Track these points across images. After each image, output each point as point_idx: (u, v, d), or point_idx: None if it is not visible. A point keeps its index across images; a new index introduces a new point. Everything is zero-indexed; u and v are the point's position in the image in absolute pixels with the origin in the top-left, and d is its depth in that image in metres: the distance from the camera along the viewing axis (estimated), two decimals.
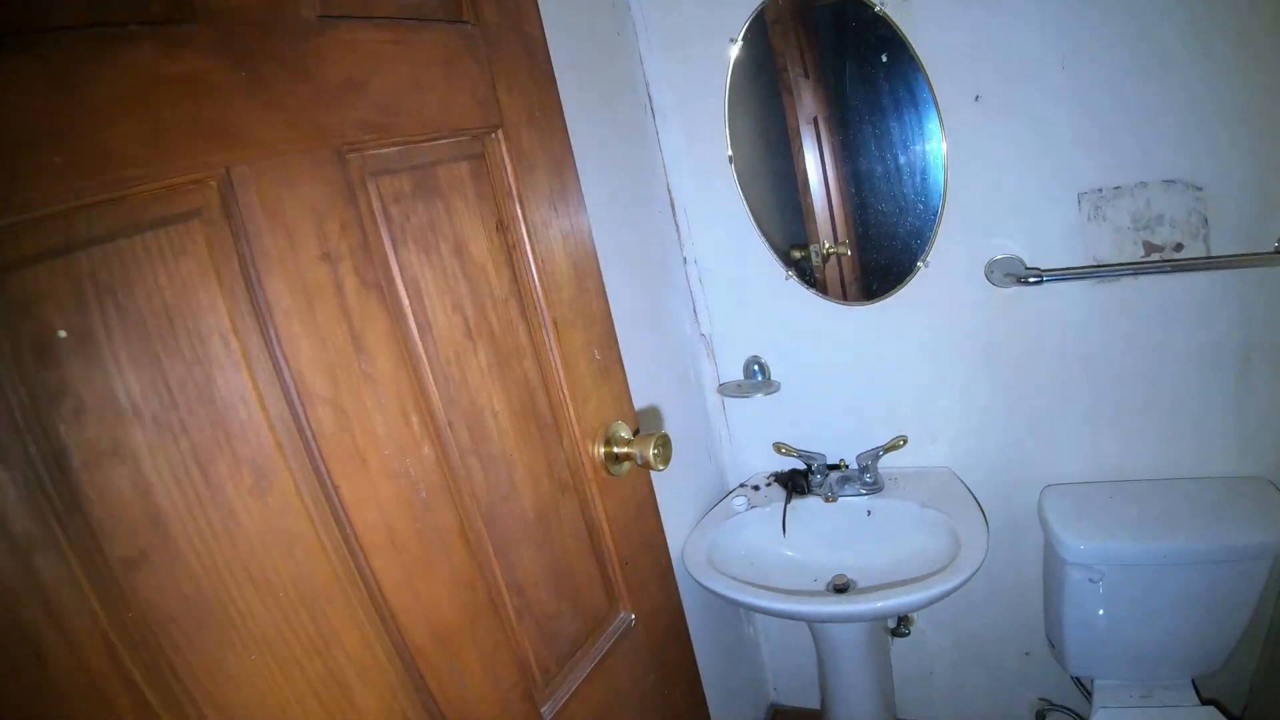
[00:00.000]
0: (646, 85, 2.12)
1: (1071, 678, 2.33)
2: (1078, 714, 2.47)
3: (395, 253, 1.01)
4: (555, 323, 1.26)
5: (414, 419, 1.01)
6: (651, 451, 1.35)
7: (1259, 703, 2.23)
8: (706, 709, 1.86)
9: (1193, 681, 2.09)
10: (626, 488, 1.46)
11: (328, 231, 0.91)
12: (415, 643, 1.00)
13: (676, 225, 2.22)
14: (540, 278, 1.23)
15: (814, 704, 2.73)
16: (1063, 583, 2.00)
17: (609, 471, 1.37)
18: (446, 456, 1.07)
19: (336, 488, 0.90)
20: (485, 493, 1.13)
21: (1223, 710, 1.98)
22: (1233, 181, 1.74)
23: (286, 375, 0.86)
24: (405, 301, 1.01)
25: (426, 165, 1.06)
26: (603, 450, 1.36)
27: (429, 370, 1.04)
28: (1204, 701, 2.04)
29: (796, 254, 2.15)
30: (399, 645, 0.98)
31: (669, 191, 2.19)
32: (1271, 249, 1.75)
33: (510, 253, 1.19)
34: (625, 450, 1.38)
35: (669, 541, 1.94)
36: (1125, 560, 1.91)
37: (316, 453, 0.89)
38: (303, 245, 0.88)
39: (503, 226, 1.17)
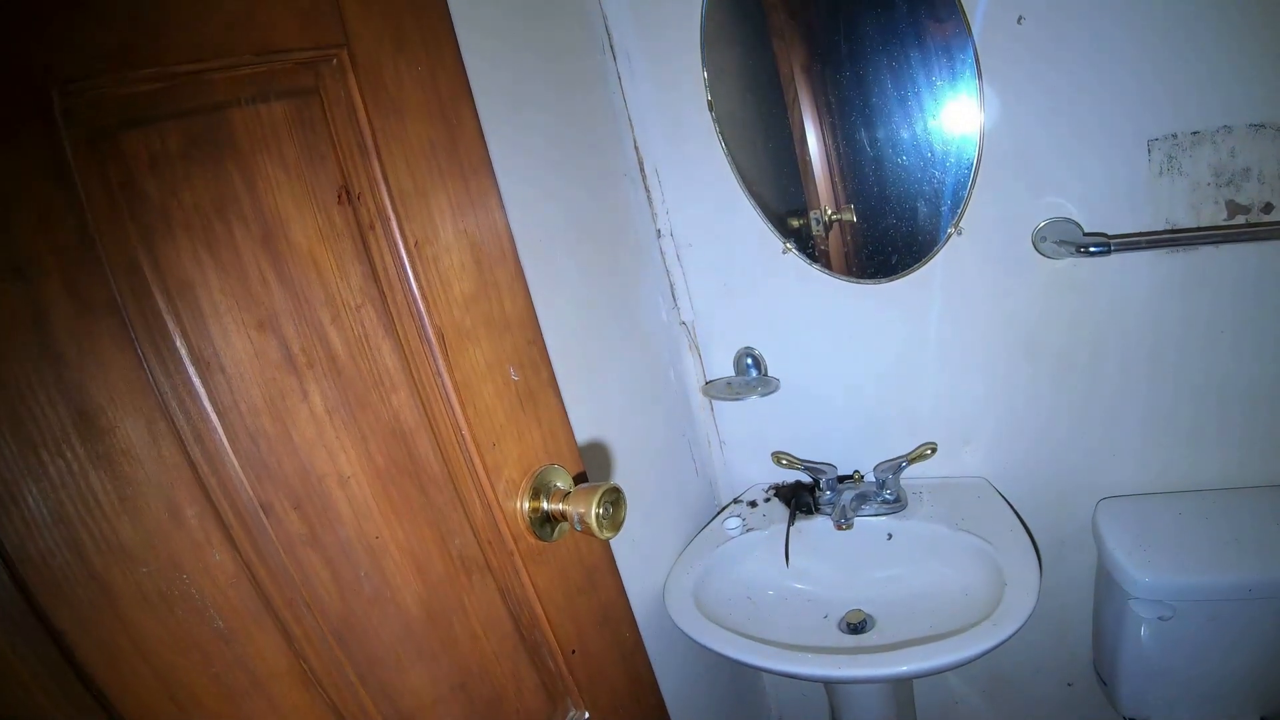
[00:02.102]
0: (605, 21, 1.78)
1: (1123, 718, 2.07)
2: None
3: (151, 250, 0.64)
4: (442, 334, 0.88)
5: (190, 512, 0.65)
6: (595, 512, 0.97)
7: None
8: None
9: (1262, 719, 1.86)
10: (567, 552, 1.10)
11: (15, 227, 0.57)
12: None
13: (647, 191, 1.88)
14: (416, 270, 0.85)
15: None
16: (1122, 618, 1.76)
17: (538, 536, 1.01)
18: (262, 557, 0.71)
19: (61, 634, 0.58)
20: (335, 598, 0.78)
21: None
22: None
23: None
24: (170, 326, 0.65)
25: (211, 109, 0.70)
26: (527, 507, 0.99)
27: (219, 430, 0.68)
28: None
29: (795, 223, 1.80)
30: None
31: (636, 150, 1.85)
32: None
33: (364, 236, 0.81)
34: (560, 508, 1.01)
35: (648, 576, 1.74)
36: (1201, 594, 1.66)
37: (25, 585, 0.57)
38: None
39: (350, 198, 0.79)
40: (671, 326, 1.98)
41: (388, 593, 0.83)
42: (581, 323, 1.56)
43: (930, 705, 2.39)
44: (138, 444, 0.62)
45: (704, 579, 1.83)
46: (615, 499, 1.00)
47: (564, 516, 1.01)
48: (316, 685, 0.75)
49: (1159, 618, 1.70)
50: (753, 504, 2.08)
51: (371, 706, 0.81)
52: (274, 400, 0.72)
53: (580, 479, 1.09)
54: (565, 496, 1.02)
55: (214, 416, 0.67)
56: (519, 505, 0.99)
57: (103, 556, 0.60)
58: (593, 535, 0.98)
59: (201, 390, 0.66)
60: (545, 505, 1.01)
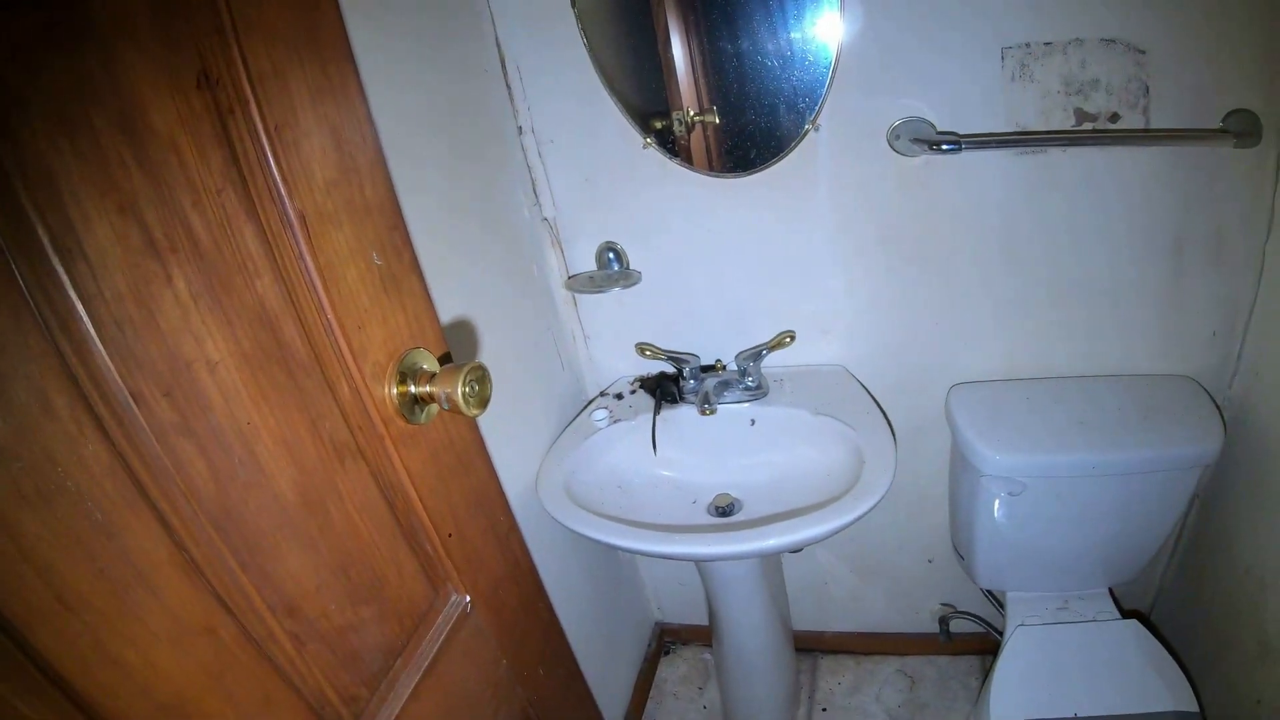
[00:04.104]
0: None
1: (982, 590, 2.25)
2: (983, 619, 2.42)
3: (10, 137, 0.62)
4: (304, 218, 0.88)
5: (60, 401, 0.64)
6: (461, 391, 0.99)
7: (1167, 609, 2.25)
8: (581, 677, 1.66)
9: (1110, 590, 2.04)
10: (438, 435, 1.12)
11: None
12: None
13: (509, 88, 1.85)
14: (277, 154, 0.84)
15: (702, 619, 2.65)
16: (975, 494, 1.87)
17: (407, 420, 1.03)
18: (135, 447, 0.70)
19: None
20: (211, 485, 0.78)
21: (1144, 621, 1.95)
22: (1180, 47, 1.55)
23: None
24: (30, 211, 0.63)
25: None
26: (395, 391, 1.01)
27: (85, 318, 0.67)
28: (1124, 612, 1.99)
29: (658, 123, 1.80)
30: None
31: (498, 47, 1.81)
32: (1215, 126, 1.59)
33: (224, 120, 0.80)
34: (427, 390, 1.03)
35: (520, 468, 1.76)
36: (1048, 472, 1.79)
37: None
38: None
39: (209, 81, 0.78)
40: (533, 223, 1.97)
41: (263, 479, 0.84)
42: (443, 216, 1.55)
43: (802, 586, 2.53)
44: (4, 335, 0.61)
45: (575, 470, 1.87)
46: (480, 376, 1.03)
47: (432, 398, 1.03)
48: (199, 574, 0.76)
49: (1010, 493, 1.81)
50: (619, 396, 2.12)
51: (254, 593, 0.82)
52: (138, 286, 0.71)
53: (445, 360, 1.11)
54: (432, 378, 1.04)
55: (79, 305, 0.66)
56: (387, 388, 1.00)
57: None
58: (460, 413, 1.01)
59: (65, 278, 0.65)
60: (413, 388, 1.03)
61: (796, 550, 2.21)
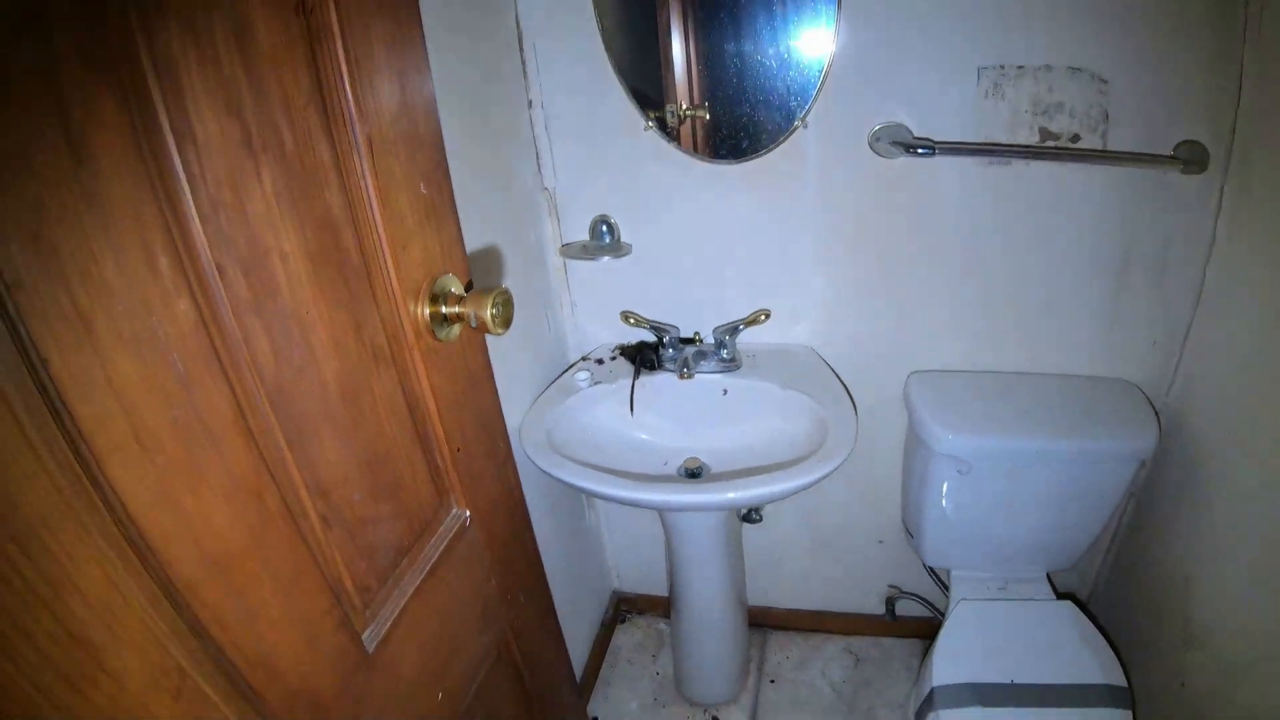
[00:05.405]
0: None
1: (926, 567, 2.37)
2: (929, 601, 2.53)
3: (142, 28, 0.69)
4: (370, 142, 0.96)
5: (163, 261, 0.71)
6: (489, 312, 1.09)
7: (1103, 598, 2.34)
8: (554, 613, 1.72)
9: (1048, 575, 2.14)
10: (456, 357, 1.20)
11: None
12: (185, 576, 0.74)
13: (523, 62, 1.93)
14: (352, 80, 0.93)
15: (659, 590, 2.78)
16: (927, 472, 1.98)
17: (435, 336, 1.12)
18: (215, 314, 0.77)
19: (44, 362, 0.61)
20: (272, 364, 0.85)
21: (1078, 603, 2.03)
22: (1141, 79, 1.70)
23: None
24: (156, 97, 0.70)
25: None
26: (427, 310, 1.10)
27: (189, 194, 0.74)
28: (1059, 595, 2.09)
29: (654, 112, 1.91)
30: (162, 581, 0.72)
31: (517, 21, 1.89)
32: (1167, 153, 1.73)
33: (313, 44, 0.88)
34: (456, 310, 1.12)
35: (507, 418, 1.77)
36: (995, 454, 1.89)
37: (14, 314, 0.59)
38: None
39: (305, 9, 0.86)
40: (534, 191, 2.05)
41: (313, 366, 0.91)
42: (461, 170, 1.57)
43: (757, 562, 2.61)
44: (124, 194, 0.67)
45: (555, 425, 1.94)
46: (506, 300, 1.12)
47: (460, 318, 1.12)
48: (254, 442, 0.82)
49: (959, 472, 1.91)
50: (600, 361, 2.21)
51: (296, 472, 0.89)
52: (234, 176, 0.78)
53: (468, 289, 1.19)
54: (460, 300, 1.13)
55: (185, 183, 0.73)
56: (420, 306, 1.09)
57: (88, 292, 0.64)
58: (487, 331, 1.10)
59: (177, 159, 0.72)
60: (444, 308, 1.11)
61: (758, 519, 2.32)
